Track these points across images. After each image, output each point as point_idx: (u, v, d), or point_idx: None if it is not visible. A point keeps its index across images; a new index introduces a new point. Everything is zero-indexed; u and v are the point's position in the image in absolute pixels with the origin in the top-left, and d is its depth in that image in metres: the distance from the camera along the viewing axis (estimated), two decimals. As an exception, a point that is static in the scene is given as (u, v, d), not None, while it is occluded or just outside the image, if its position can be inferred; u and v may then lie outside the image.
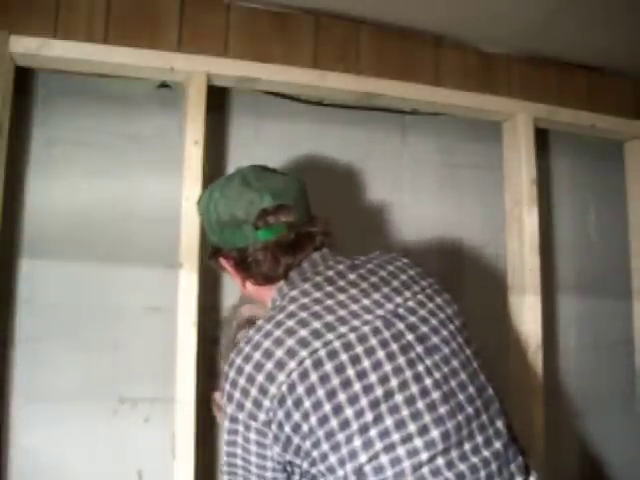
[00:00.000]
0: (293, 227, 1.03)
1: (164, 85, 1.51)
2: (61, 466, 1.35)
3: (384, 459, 0.86)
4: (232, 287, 1.53)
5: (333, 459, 0.86)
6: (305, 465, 0.89)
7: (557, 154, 1.89)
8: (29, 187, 1.41)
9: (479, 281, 1.72)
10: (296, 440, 0.88)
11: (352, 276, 0.99)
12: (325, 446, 0.86)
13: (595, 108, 1.81)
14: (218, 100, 1.54)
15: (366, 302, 0.95)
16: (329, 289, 0.97)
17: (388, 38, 1.65)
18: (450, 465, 0.87)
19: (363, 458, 0.86)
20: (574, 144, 1.90)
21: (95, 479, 1.37)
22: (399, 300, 0.97)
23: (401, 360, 0.90)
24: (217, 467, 1.45)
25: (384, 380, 0.88)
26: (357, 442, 0.86)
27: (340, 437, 0.86)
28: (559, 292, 1.81)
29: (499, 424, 0.95)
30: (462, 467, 0.88)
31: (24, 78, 1.41)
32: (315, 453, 0.87)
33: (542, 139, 1.82)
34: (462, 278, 1.71)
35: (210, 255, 1.13)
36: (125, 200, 1.47)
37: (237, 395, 0.91)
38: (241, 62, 1.47)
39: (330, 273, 1.00)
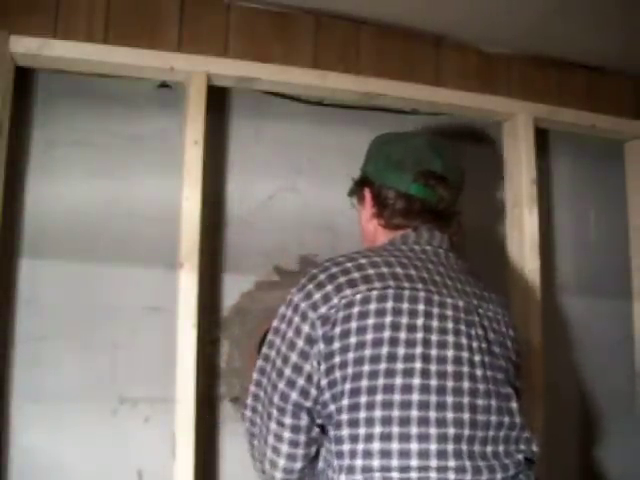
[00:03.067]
0: (442, 201, 1.10)
1: (164, 85, 1.51)
2: (61, 466, 1.35)
3: (414, 413, 0.87)
4: (232, 287, 1.53)
5: (364, 383, 0.88)
6: (324, 381, 0.91)
7: (557, 154, 1.89)
8: (29, 187, 1.41)
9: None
10: (336, 345, 0.90)
11: (455, 265, 1.06)
12: (366, 367, 0.88)
13: (595, 108, 1.81)
14: (218, 100, 1.54)
15: (459, 285, 1.01)
16: (434, 259, 1.03)
17: (388, 38, 1.64)
18: (457, 455, 0.88)
19: (397, 397, 0.87)
20: (574, 144, 1.90)
21: (95, 479, 1.37)
22: (482, 304, 1.02)
23: (464, 341, 0.94)
24: (217, 467, 1.45)
25: (442, 345, 0.92)
26: (397, 381, 0.88)
27: (383, 366, 0.88)
28: (559, 292, 1.81)
29: (519, 457, 0.94)
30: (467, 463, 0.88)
31: (24, 78, 1.41)
32: (350, 370, 0.89)
33: (542, 139, 1.82)
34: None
35: (357, 183, 1.20)
36: (125, 200, 1.47)
37: (310, 286, 0.96)
38: (241, 62, 1.47)
39: (440, 251, 1.06)
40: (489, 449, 0.90)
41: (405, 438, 0.86)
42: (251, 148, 1.59)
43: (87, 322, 1.41)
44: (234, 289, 1.53)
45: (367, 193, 1.14)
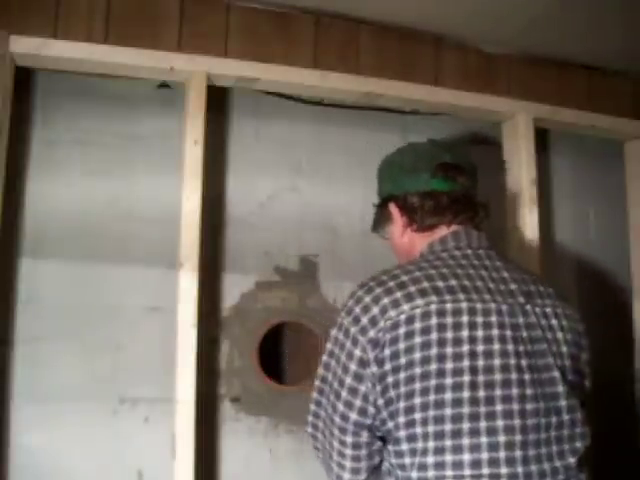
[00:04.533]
0: (465, 187, 1.12)
1: (164, 85, 1.51)
2: (61, 466, 1.35)
3: (465, 425, 0.89)
4: (232, 287, 1.53)
5: (417, 400, 0.91)
6: (380, 401, 0.94)
7: (557, 154, 1.89)
8: (29, 187, 1.41)
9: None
10: (387, 367, 0.93)
11: (498, 263, 1.06)
12: (417, 385, 0.91)
13: (595, 108, 1.81)
14: (218, 100, 1.54)
15: (502, 287, 1.01)
16: (475, 262, 1.04)
17: (388, 38, 1.64)
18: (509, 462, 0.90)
19: (447, 411, 0.90)
20: (574, 144, 1.90)
21: (95, 479, 1.37)
22: (530, 300, 1.01)
23: (510, 347, 0.94)
24: (217, 467, 1.45)
25: (488, 355, 0.93)
26: (448, 395, 0.90)
27: (433, 382, 0.91)
28: (559, 292, 1.81)
29: (571, 461, 0.96)
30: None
31: (24, 78, 1.41)
32: (403, 389, 0.92)
33: (542, 139, 1.82)
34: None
35: (380, 207, 1.22)
36: (125, 200, 1.47)
37: (357, 310, 0.97)
38: (241, 62, 1.47)
39: (481, 252, 1.07)
40: (543, 451, 0.93)
41: (458, 450, 0.90)
42: (251, 148, 1.59)
43: (87, 322, 1.41)
44: (234, 289, 1.53)
45: (393, 208, 1.16)
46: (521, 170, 1.67)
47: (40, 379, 1.36)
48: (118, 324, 1.43)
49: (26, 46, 1.31)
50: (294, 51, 1.55)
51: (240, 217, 1.56)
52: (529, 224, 1.64)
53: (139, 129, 1.50)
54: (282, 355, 1.78)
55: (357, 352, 0.95)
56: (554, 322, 1.02)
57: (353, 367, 0.96)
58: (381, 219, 1.21)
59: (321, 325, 1.58)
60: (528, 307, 1.00)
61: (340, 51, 1.60)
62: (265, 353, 1.54)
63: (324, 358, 1.03)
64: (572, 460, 0.95)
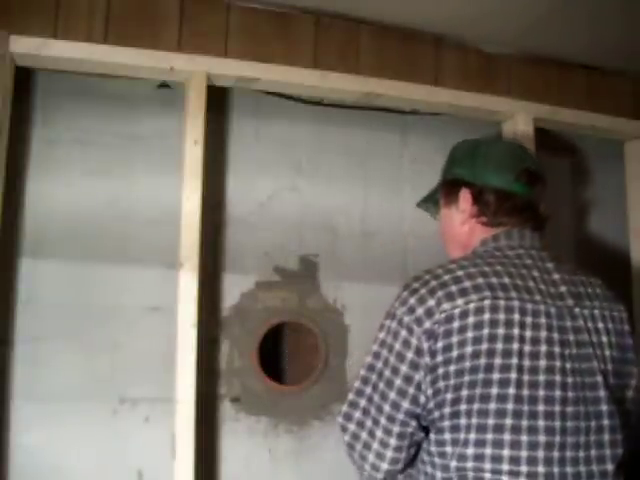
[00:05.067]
0: (540, 199, 1.16)
1: (164, 85, 1.51)
2: (61, 466, 1.35)
3: (508, 421, 0.91)
4: (232, 287, 1.53)
5: (464, 393, 0.92)
6: (429, 390, 0.95)
7: (556, 154, 1.89)
8: (29, 187, 1.41)
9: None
10: (439, 359, 0.94)
11: (549, 264, 1.06)
12: (466, 378, 0.92)
13: (595, 108, 1.81)
14: (218, 100, 1.54)
15: (552, 290, 1.01)
16: (529, 262, 1.04)
17: (388, 38, 1.64)
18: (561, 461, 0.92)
19: (492, 406, 0.91)
20: (574, 144, 1.90)
21: (95, 479, 1.37)
22: (579, 302, 1.02)
23: (557, 349, 0.95)
24: (217, 467, 1.45)
25: (534, 355, 0.94)
26: (494, 390, 0.91)
27: (480, 376, 0.92)
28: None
29: (610, 467, 0.96)
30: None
31: (24, 78, 1.41)
32: (452, 381, 0.93)
33: (541, 139, 1.82)
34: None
35: (446, 186, 1.20)
36: (125, 200, 1.47)
37: (412, 300, 0.98)
38: (241, 62, 1.47)
39: (533, 252, 1.07)
40: (582, 454, 0.94)
41: (498, 444, 0.91)
42: (251, 148, 1.59)
43: (87, 322, 1.41)
44: (234, 289, 1.53)
45: (465, 194, 1.14)
46: (521, 170, 1.67)
47: (40, 379, 1.36)
48: (118, 324, 1.43)
49: (26, 46, 1.31)
50: (294, 51, 1.55)
51: (240, 217, 1.56)
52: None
53: (139, 129, 1.50)
54: (282, 355, 1.78)
55: (414, 341, 0.96)
56: (601, 325, 1.03)
57: (410, 355, 0.96)
58: (443, 198, 1.21)
59: (321, 325, 1.59)
60: (577, 310, 1.01)
61: (340, 51, 1.60)
62: (265, 353, 1.54)
63: (374, 348, 1.02)
64: (611, 466, 0.96)
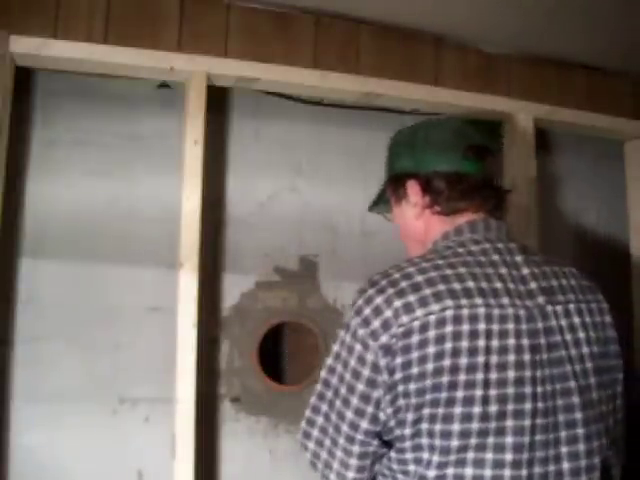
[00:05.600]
0: (494, 174, 1.06)
1: (164, 85, 1.51)
2: (61, 466, 1.35)
3: (473, 440, 0.84)
4: (232, 287, 1.53)
5: (426, 412, 0.85)
6: (389, 409, 0.88)
7: (557, 154, 1.89)
8: (29, 187, 1.41)
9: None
10: (398, 376, 0.86)
11: (518, 258, 0.97)
12: (428, 397, 0.85)
13: (595, 108, 1.81)
14: (218, 100, 1.54)
15: (521, 288, 0.93)
16: (494, 258, 0.95)
17: (388, 38, 1.64)
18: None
19: (456, 427, 0.84)
20: (574, 144, 1.90)
21: (95, 479, 1.37)
22: (552, 299, 0.94)
23: (526, 357, 0.88)
24: (217, 467, 1.45)
25: (502, 367, 0.87)
26: (457, 410, 0.84)
27: (443, 395, 0.85)
28: (559, 292, 1.81)
29: (596, 461, 0.90)
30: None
31: (24, 78, 1.41)
32: (413, 400, 0.86)
33: (542, 139, 1.82)
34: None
35: (391, 183, 1.11)
36: (125, 200, 1.47)
37: (367, 311, 0.90)
38: (241, 62, 1.47)
39: (500, 245, 0.98)
40: (551, 468, 0.87)
41: (461, 463, 0.85)
42: (251, 148, 1.59)
43: (87, 322, 1.41)
44: (234, 289, 1.53)
45: (412, 186, 1.05)
46: (521, 170, 1.67)
47: (40, 379, 1.36)
48: (118, 324, 1.43)
49: (26, 46, 1.31)
50: (294, 51, 1.55)
51: (240, 217, 1.56)
52: (529, 224, 1.64)
53: (139, 129, 1.50)
54: (282, 355, 1.78)
55: (369, 357, 0.88)
56: (577, 320, 0.95)
57: (366, 372, 0.88)
58: (391, 197, 1.12)
59: (321, 325, 1.59)
60: (549, 308, 0.93)
61: (340, 51, 1.60)
62: (265, 353, 1.54)
63: (329, 361, 0.94)
64: (585, 478, 0.88)
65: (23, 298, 1.38)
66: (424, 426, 0.85)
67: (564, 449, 0.88)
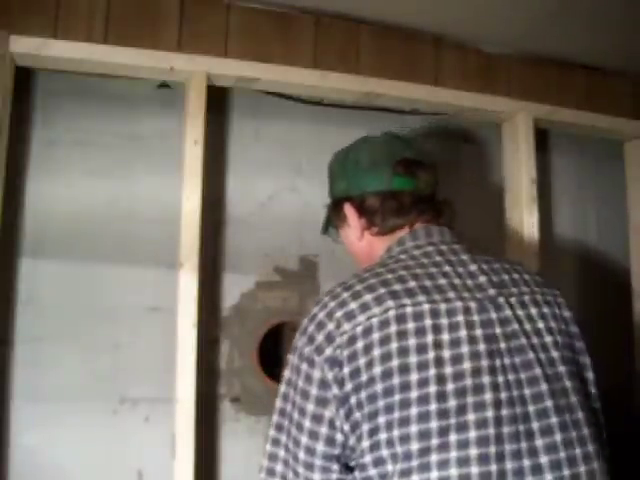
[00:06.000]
0: (428, 185, 1.04)
1: (164, 85, 1.51)
2: (61, 466, 1.35)
3: (434, 441, 0.80)
4: (232, 287, 1.53)
5: (381, 419, 0.81)
6: (346, 427, 0.84)
7: (557, 154, 1.89)
8: (29, 187, 1.41)
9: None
10: (348, 387, 0.84)
11: (464, 256, 0.96)
12: (380, 403, 0.82)
13: (595, 108, 1.81)
14: (218, 100, 1.54)
15: (469, 282, 0.92)
16: (437, 259, 0.95)
17: (388, 38, 1.64)
18: (501, 476, 0.80)
19: (413, 429, 0.80)
20: (574, 144, 1.90)
21: (95, 479, 1.37)
22: (504, 291, 0.92)
23: (481, 347, 0.85)
24: (217, 467, 1.45)
25: (457, 360, 0.84)
26: (414, 410, 0.81)
27: (396, 398, 0.81)
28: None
29: (590, 448, 0.86)
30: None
31: (24, 78, 1.41)
32: (367, 409, 0.82)
33: (542, 139, 1.82)
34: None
35: (332, 209, 1.12)
36: (125, 200, 1.47)
37: (311, 328, 0.89)
38: (241, 62, 1.47)
39: (443, 247, 0.97)
40: (526, 463, 0.82)
41: (425, 468, 0.80)
42: (251, 148, 1.59)
43: (87, 322, 1.41)
44: (234, 289, 1.53)
45: (349, 209, 1.05)
46: (521, 170, 1.67)
47: (40, 379, 1.36)
48: (118, 324, 1.43)
49: (26, 46, 1.31)
50: (294, 51, 1.55)
51: (240, 217, 1.56)
52: (529, 224, 1.65)
53: (139, 129, 1.50)
54: (282, 355, 1.78)
55: (316, 373, 0.85)
56: (534, 311, 0.92)
57: (314, 391, 0.85)
58: (334, 221, 1.12)
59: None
60: (501, 299, 0.90)
61: (340, 51, 1.60)
62: (265, 353, 1.55)
63: (282, 388, 0.91)
64: (568, 472, 0.83)
65: (23, 298, 1.37)
66: (382, 436, 0.81)
67: (539, 441, 0.83)
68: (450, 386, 0.82)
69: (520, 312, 0.91)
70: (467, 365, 0.83)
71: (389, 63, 1.63)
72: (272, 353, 1.63)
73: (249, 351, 1.52)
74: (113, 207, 1.46)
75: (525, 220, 1.65)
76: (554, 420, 0.85)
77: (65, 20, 1.38)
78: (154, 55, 1.40)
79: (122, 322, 1.43)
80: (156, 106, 1.52)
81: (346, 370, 0.84)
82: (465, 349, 0.84)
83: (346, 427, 0.84)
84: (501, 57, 1.76)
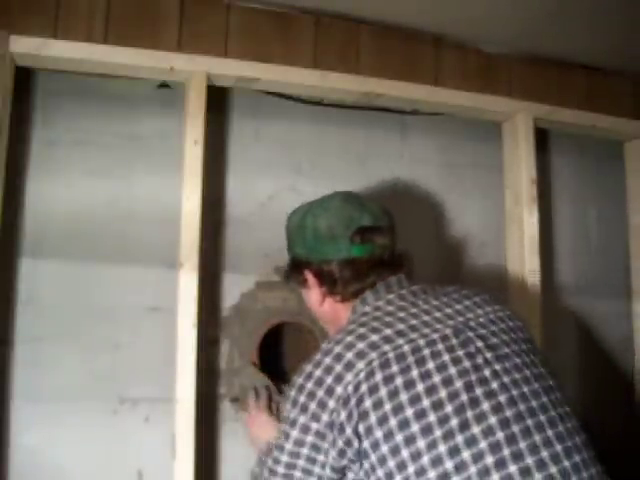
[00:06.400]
0: (385, 249, 1.08)
1: (164, 85, 1.51)
2: (61, 466, 1.35)
3: (449, 464, 0.83)
4: (232, 287, 1.53)
5: (392, 463, 0.85)
6: (362, 473, 0.89)
7: (557, 154, 1.89)
8: (29, 187, 1.41)
9: (479, 281, 1.72)
10: (355, 442, 0.88)
11: (424, 295, 1.03)
12: (384, 448, 0.86)
13: (595, 108, 1.81)
14: (218, 100, 1.54)
15: (437, 314, 0.98)
16: (402, 303, 1.00)
17: (388, 38, 1.64)
18: (525, 472, 0.83)
19: (426, 459, 0.84)
20: (574, 144, 1.90)
21: (95, 479, 1.37)
22: (470, 315, 0.99)
23: (467, 364, 0.90)
24: (217, 467, 1.45)
25: (448, 382, 0.88)
26: (421, 443, 0.84)
27: (399, 438, 0.85)
28: (559, 292, 1.81)
29: (578, 439, 0.91)
30: (538, 476, 0.83)
31: (24, 78, 1.41)
32: (374, 457, 0.87)
33: (542, 139, 1.82)
34: (462, 278, 1.71)
35: (292, 268, 1.15)
36: (125, 200, 1.47)
37: (302, 399, 0.93)
38: (241, 62, 1.47)
39: (403, 292, 1.03)
40: (544, 454, 0.85)
41: None
42: (251, 148, 1.59)
43: (87, 322, 1.41)
44: (234, 289, 1.53)
45: (309, 276, 1.10)
46: (521, 170, 1.67)
47: (40, 379, 1.36)
48: (118, 324, 1.43)
49: (26, 46, 1.31)
50: (294, 51, 1.55)
51: (240, 217, 1.56)
52: (529, 224, 1.64)
53: (139, 129, 1.50)
54: (282, 355, 1.78)
55: (309, 439, 0.92)
56: (502, 325, 0.99)
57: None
58: (295, 280, 1.16)
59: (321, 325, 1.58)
60: (472, 322, 0.97)
61: (340, 51, 1.60)
62: (265, 353, 1.54)
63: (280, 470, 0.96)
64: (578, 459, 0.87)
65: (23, 298, 1.37)
66: (398, 478, 0.84)
67: (550, 432, 0.88)
68: (449, 408, 0.86)
69: (493, 328, 0.98)
70: (459, 383, 0.88)
71: (389, 63, 1.63)
72: (272, 353, 1.63)
73: (249, 351, 1.52)
74: (113, 207, 1.46)
75: (525, 220, 1.65)
76: (553, 413, 0.90)
77: (65, 20, 1.38)
78: (154, 55, 1.40)
79: (122, 322, 1.43)
80: (156, 106, 1.52)
81: (348, 430, 0.88)
82: (452, 370, 0.89)
83: (356, 468, 0.90)
84: (501, 57, 1.76)
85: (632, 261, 1.88)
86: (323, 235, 1.08)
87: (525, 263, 1.63)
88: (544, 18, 1.57)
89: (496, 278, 1.72)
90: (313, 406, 0.91)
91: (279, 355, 1.74)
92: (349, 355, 0.91)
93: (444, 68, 1.69)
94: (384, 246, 1.08)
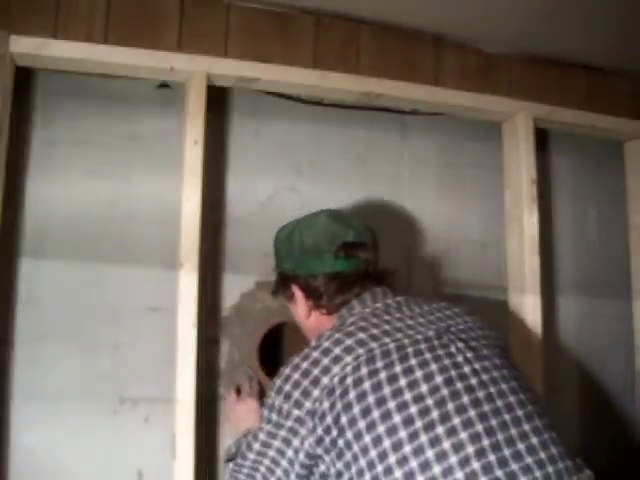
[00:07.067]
0: (368, 263, 1.14)
1: (164, 85, 1.51)
2: (61, 466, 1.35)
3: (430, 453, 0.87)
4: (232, 287, 1.53)
5: (374, 453, 0.89)
6: (340, 465, 0.92)
7: (557, 154, 1.89)
8: (29, 187, 1.41)
9: (479, 281, 1.72)
10: (334, 431, 0.92)
11: (407, 305, 1.09)
12: (367, 438, 0.90)
13: (595, 108, 1.81)
14: (218, 100, 1.54)
15: (421, 320, 1.04)
16: (388, 309, 1.07)
17: (388, 38, 1.64)
18: (503, 463, 0.87)
19: (407, 449, 0.88)
20: (574, 144, 1.90)
21: (95, 479, 1.37)
22: (451, 322, 1.06)
23: (447, 362, 0.96)
24: (217, 467, 1.45)
25: (429, 377, 0.94)
26: (402, 434, 0.89)
27: (381, 429, 0.89)
28: (559, 292, 1.81)
29: (554, 434, 0.95)
30: (515, 466, 0.88)
31: (24, 78, 1.41)
32: (356, 446, 0.90)
33: (542, 139, 1.82)
34: (462, 278, 1.71)
35: (280, 282, 1.22)
36: (125, 200, 1.47)
37: (287, 387, 0.98)
38: (241, 62, 1.47)
39: (389, 301, 1.09)
40: (520, 446, 0.90)
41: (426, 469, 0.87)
42: (251, 148, 1.59)
43: (87, 322, 1.41)
44: (234, 289, 1.53)
45: (296, 290, 1.16)
46: (521, 170, 1.67)
47: (40, 379, 1.36)
48: (118, 324, 1.43)
49: (26, 46, 1.31)
50: (294, 51, 1.55)
51: (240, 217, 1.56)
52: (529, 224, 1.64)
53: (139, 129, 1.50)
54: (282, 355, 1.78)
55: (288, 423, 0.96)
56: (479, 332, 1.06)
57: (282, 434, 0.97)
58: (282, 295, 1.23)
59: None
60: (452, 328, 1.04)
61: (340, 51, 1.60)
62: (265, 353, 1.54)
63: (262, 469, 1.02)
64: (555, 451, 0.92)
65: (23, 298, 1.37)
66: (379, 468, 0.88)
67: (526, 426, 0.92)
68: (429, 401, 0.91)
69: (472, 334, 1.05)
70: (439, 379, 0.94)
71: (389, 63, 1.63)
72: (272, 353, 1.63)
73: (249, 351, 1.52)
74: (113, 207, 1.46)
75: (525, 220, 1.65)
76: (530, 409, 0.95)
77: (65, 20, 1.38)
78: (154, 55, 1.40)
79: (122, 322, 1.43)
80: (156, 106, 1.52)
81: (329, 419, 0.93)
82: (433, 366, 0.95)
83: (338, 469, 0.93)
84: (501, 57, 1.76)
85: (632, 261, 1.88)
86: (309, 250, 1.13)
87: (525, 263, 1.63)
88: (544, 18, 1.57)
89: (496, 278, 1.72)
90: (297, 394, 0.96)
91: (279, 355, 1.74)
92: (337, 350, 0.97)
93: (444, 68, 1.69)
94: (367, 261, 1.14)
